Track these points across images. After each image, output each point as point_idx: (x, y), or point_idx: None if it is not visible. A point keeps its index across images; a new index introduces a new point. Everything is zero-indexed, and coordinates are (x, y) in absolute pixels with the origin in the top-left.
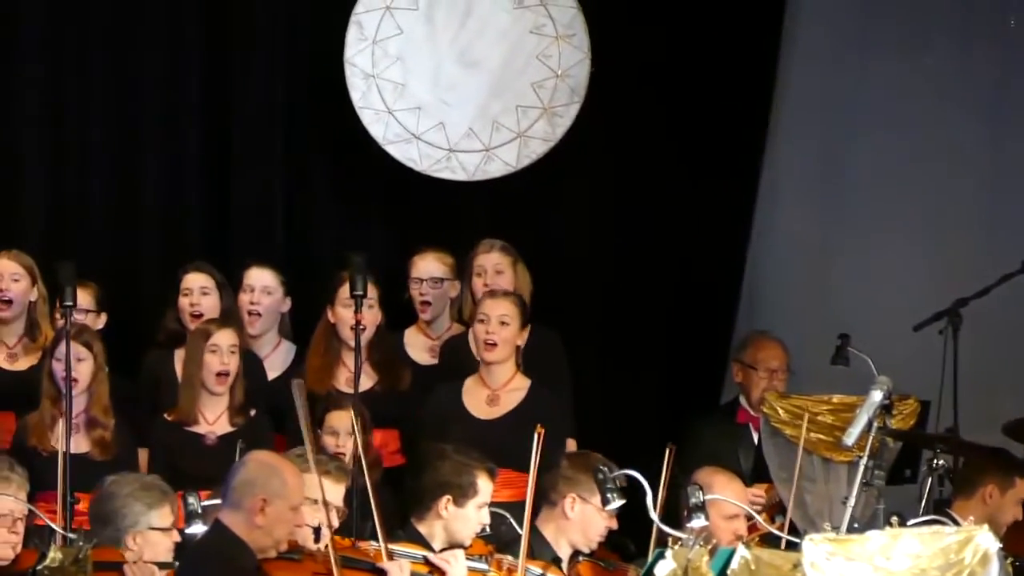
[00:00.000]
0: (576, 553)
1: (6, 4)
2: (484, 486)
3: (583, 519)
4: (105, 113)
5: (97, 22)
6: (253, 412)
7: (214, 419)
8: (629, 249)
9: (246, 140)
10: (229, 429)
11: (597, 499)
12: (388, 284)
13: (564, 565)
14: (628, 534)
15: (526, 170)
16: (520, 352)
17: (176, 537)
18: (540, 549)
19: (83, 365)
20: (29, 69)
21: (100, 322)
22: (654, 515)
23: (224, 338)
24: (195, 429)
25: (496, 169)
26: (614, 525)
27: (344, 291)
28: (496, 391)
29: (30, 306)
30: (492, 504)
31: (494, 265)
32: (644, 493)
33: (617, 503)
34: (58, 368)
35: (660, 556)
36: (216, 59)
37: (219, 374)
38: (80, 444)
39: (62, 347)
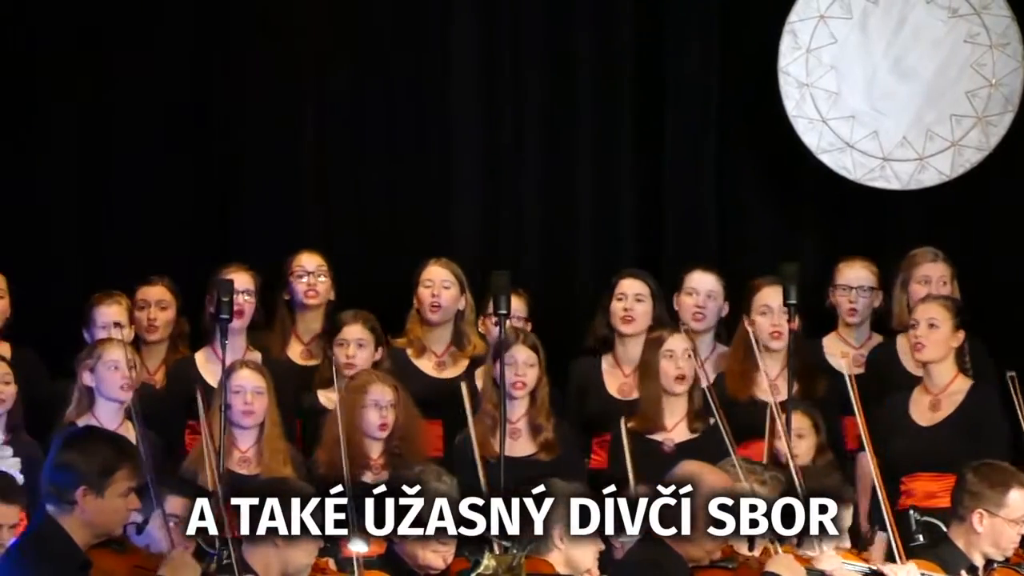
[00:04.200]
0: (990, 561)
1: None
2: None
3: (992, 532)
4: (538, 119)
5: (530, 32)
6: (712, 421)
7: (672, 426)
8: None
9: (679, 147)
10: (688, 436)
11: (1005, 511)
12: (814, 292)
13: (980, 574)
14: None
15: (958, 179)
16: (960, 354)
17: None
18: (955, 560)
19: (532, 371)
20: (455, 72)
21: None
22: None
23: (678, 343)
24: (656, 436)
25: (930, 178)
26: None
27: (759, 298)
28: (938, 396)
29: (457, 315)
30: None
31: (940, 276)
32: None
33: None
34: (507, 374)
35: None
36: (649, 70)
37: (677, 378)
38: (526, 447)
39: (512, 353)
